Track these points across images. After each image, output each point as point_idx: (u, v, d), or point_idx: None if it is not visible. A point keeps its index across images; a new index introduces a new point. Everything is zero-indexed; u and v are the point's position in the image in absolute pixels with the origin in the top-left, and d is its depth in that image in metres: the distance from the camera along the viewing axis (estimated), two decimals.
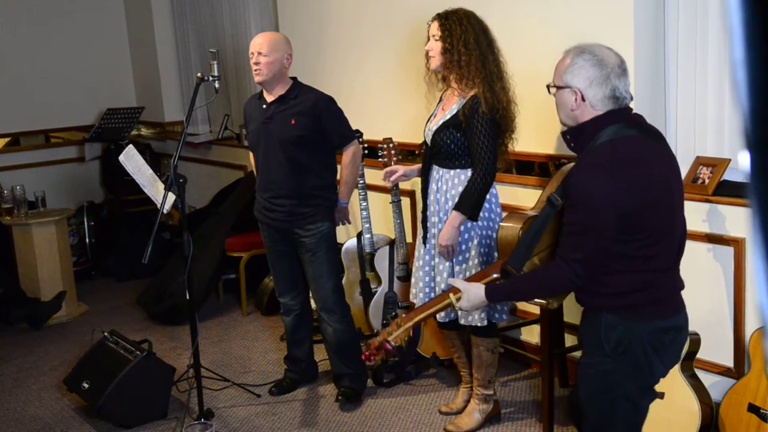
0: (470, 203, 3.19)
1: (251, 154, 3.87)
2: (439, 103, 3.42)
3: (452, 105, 3.27)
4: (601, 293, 2.19)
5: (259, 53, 3.56)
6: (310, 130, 3.57)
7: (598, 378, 2.25)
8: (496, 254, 3.21)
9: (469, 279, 2.50)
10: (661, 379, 2.31)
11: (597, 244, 2.13)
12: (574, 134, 2.24)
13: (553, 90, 2.27)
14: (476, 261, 3.27)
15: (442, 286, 3.33)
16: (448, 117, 3.25)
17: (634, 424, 2.30)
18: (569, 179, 2.18)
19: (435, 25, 3.24)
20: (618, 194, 2.09)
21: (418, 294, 3.47)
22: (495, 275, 2.40)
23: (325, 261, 3.70)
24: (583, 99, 2.19)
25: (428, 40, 3.28)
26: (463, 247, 3.28)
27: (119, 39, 6.99)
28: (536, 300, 2.44)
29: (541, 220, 2.30)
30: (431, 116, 3.42)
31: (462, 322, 3.34)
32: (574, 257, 2.15)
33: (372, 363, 2.51)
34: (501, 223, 2.54)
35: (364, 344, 2.56)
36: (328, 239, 3.70)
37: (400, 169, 3.56)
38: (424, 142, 3.43)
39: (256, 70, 3.58)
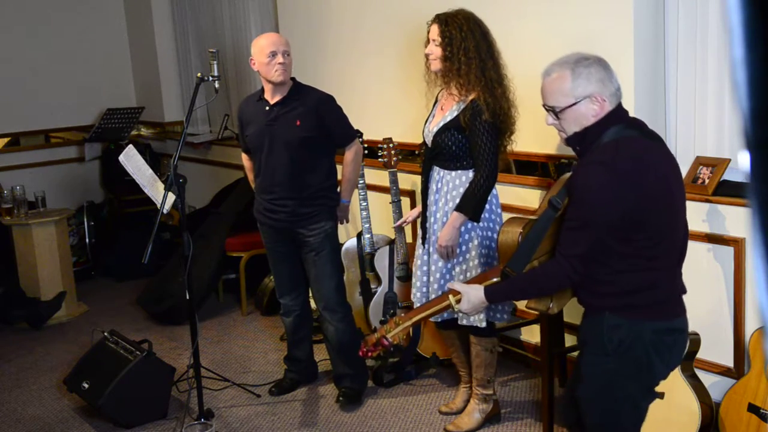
0: (472, 204, 3.19)
1: (245, 156, 3.86)
2: (435, 103, 3.41)
3: (451, 107, 3.25)
4: (605, 293, 2.20)
5: (285, 52, 3.54)
6: (315, 131, 3.56)
7: (600, 378, 2.26)
8: (497, 256, 3.21)
9: (469, 282, 2.51)
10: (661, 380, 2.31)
11: (596, 240, 2.13)
12: (578, 139, 2.24)
13: (562, 112, 2.22)
14: (476, 262, 3.27)
15: (435, 286, 3.34)
16: (449, 119, 3.24)
17: (634, 424, 2.31)
18: (573, 177, 2.19)
19: (435, 29, 3.21)
20: (620, 192, 2.10)
21: (415, 294, 3.48)
22: (495, 279, 2.40)
23: (329, 260, 3.70)
24: (603, 100, 2.19)
25: (428, 41, 3.27)
26: (464, 248, 3.28)
27: (119, 39, 6.99)
28: (537, 307, 2.43)
29: (542, 224, 2.30)
30: (429, 117, 3.41)
31: (464, 322, 3.34)
32: (573, 252, 2.16)
33: (370, 356, 2.52)
34: (501, 228, 2.54)
35: (362, 341, 2.56)
36: (332, 238, 3.70)
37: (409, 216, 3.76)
38: (424, 143, 3.43)
39: (281, 70, 3.53)
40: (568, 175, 2.49)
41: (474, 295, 2.37)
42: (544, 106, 2.28)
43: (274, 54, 3.52)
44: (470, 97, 3.18)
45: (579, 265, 2.16)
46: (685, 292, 2.29)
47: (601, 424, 2.31)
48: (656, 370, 2.24)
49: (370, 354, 2.49)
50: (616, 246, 2.14)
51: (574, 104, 2.19)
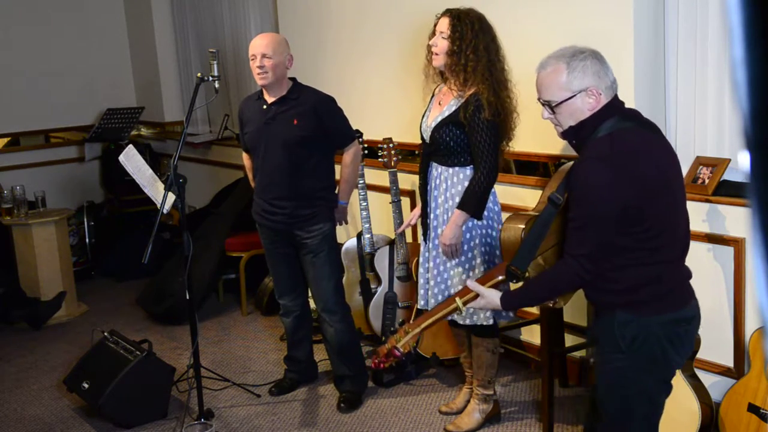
0: (474, 202, 3.17)
1: (245, 156, 3.86)
2: (432, 97, 3.40)
3: (449, 101, 3.23)
4: (612, 290, 2.20)
5: (264, 55, 3.50)
6: (313, 131, 3.56)
7: (614, 375, 2.26)
8: (497, 253, 3.21)
9: (475, 281, 2.50)
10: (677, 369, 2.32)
11: (601, 237, 2.14)
12: (574, 132, 2.24)
13: (558, 106, 2.22)
14: (479, 260, 3.27)
15: (432, 283, 3.33)
16: (447, 114, 3.22)
17: (651, 419, 2.30)
18: (571, 174, 2.20)
19: (445, 22, 3.15)
20: (618, 186, 2.10)
21: (419, 291, 3.47)
22: (500, 277, 2.40)
23: (327, 262, 3.69)
24: (599, 93, 2.19)
25: (433, 33, 3.22)
26: (465, 247, 3.27)
27: (119, 39, 6.99)
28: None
29: (544, 220, 2.30)
30: (426, 112, 3.40)
31: (467, 322, 3.33)
32: (580, 252, 2.16)
33: (382, 368, 2.53)
34: (504, 224, 2.53)
35: (373, 352, 2.57)
36: (330, 240, 3.70)
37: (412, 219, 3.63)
38: (421, 139, 3.41)
39: (260, 74, 3.51)
40: (567, 166, 2.50)
41: (491, 298, 2.36)
42: (539, 100, 2.28)
43: (254, 57, 3.53)
44: (469, 92, 3.15)
45: (588, 264, 2.16)
46: (690, 276, 2.29)
47: (617, 421, 2.30)
48: (672, 361, 2.25)
49: (382, 365, 2.49)
50: (618, 240, 2.14)
51: (570, 98, 2.19)
